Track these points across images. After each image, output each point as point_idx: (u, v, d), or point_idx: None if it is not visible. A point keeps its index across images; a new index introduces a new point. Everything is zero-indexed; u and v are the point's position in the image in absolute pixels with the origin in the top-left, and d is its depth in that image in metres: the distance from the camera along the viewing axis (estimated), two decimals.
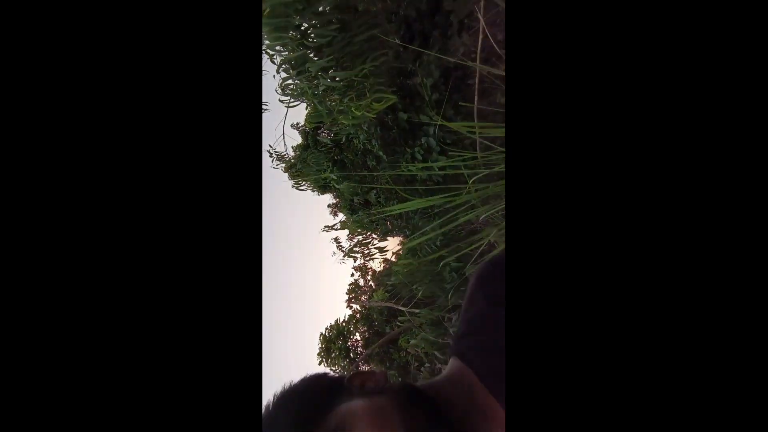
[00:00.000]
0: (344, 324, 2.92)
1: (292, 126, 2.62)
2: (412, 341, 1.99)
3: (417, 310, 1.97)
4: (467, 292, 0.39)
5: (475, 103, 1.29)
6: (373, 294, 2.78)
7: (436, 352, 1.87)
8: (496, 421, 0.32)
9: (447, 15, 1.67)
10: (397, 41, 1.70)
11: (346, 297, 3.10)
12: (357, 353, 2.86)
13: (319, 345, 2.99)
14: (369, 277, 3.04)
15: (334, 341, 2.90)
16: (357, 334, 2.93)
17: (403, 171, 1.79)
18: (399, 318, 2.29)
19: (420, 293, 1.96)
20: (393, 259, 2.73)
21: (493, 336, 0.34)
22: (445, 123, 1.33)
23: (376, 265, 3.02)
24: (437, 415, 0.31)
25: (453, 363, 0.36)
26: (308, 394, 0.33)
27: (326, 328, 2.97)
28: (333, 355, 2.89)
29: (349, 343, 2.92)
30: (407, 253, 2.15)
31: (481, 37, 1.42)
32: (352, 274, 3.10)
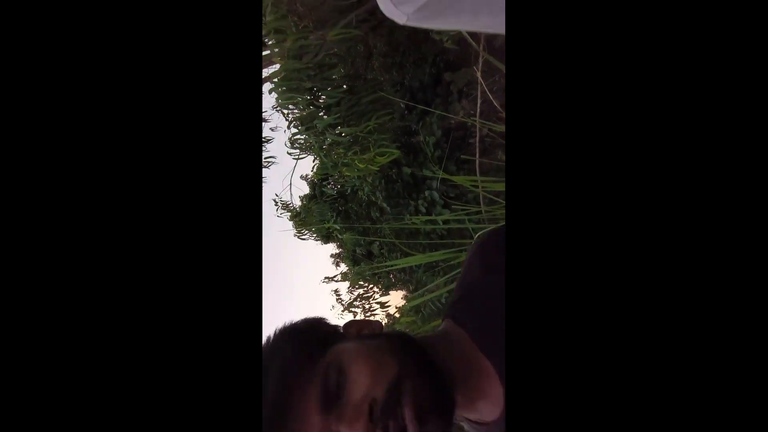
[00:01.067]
0: None
1: (301, 177, 2.74)
2: None
3: None
4: (467, 259, 0.41)
5: (477, 157, 1.32)
6: None
7: None
8: (485, 373, 0.33)
9: (447, 85, 1.84)
10: (402, 104, 1.85)
11: None
12: None
13: None
14: None
15: None
16: None
17: (406, 225, 1.78)
18: None
19: None
20: (396, 315, 2.57)
21: (486, 301, 0.36)
22: (448, 177, 1.35)
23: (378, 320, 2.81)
24: (428, 361, 0.32)
25: (446, 324, 0.38)
26: (309, 332, 0.34)
27: None
28: None
29: None
30: (410, 310, 2.03)
31: (479, 101, 1.55)
32: None
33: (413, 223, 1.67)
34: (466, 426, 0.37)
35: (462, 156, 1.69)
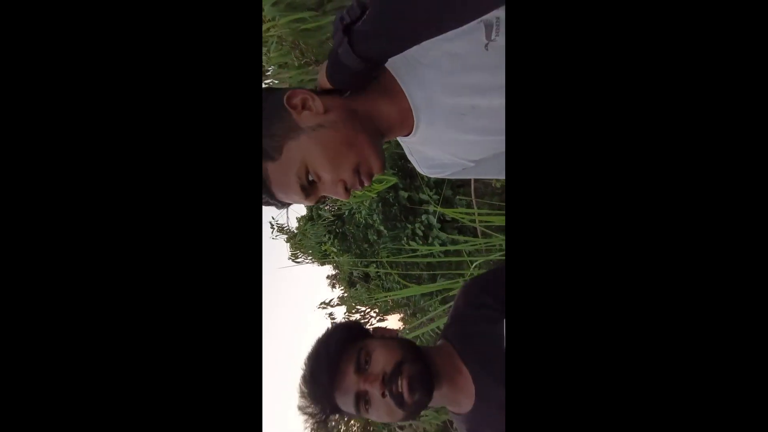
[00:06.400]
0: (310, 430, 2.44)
1: None
2: None
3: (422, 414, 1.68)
4: (456, 298, 0.64)
5: (472, 182, 1.35)
6: None
7: None
8: (464, 374, 0.55)
9: None
10: None
11: None
12: None
13: None
14: None
15: None
16: None
17: (405, 257, 1.78)
18: (399, 424, 1.96)
19: None
20: None
21: (468, 327, 0.58)
22: (443, 210, 1.37)
23: None
24: (422, 358, 0.54)
25: (441, 342, 0.60)
26: (353, 328, 0.59)
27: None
28: None
29: None
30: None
31: None
32: None
33: (412, 251, 1.67)
34: (452, 417, 0.60)
35: (458, 187, 1.73)
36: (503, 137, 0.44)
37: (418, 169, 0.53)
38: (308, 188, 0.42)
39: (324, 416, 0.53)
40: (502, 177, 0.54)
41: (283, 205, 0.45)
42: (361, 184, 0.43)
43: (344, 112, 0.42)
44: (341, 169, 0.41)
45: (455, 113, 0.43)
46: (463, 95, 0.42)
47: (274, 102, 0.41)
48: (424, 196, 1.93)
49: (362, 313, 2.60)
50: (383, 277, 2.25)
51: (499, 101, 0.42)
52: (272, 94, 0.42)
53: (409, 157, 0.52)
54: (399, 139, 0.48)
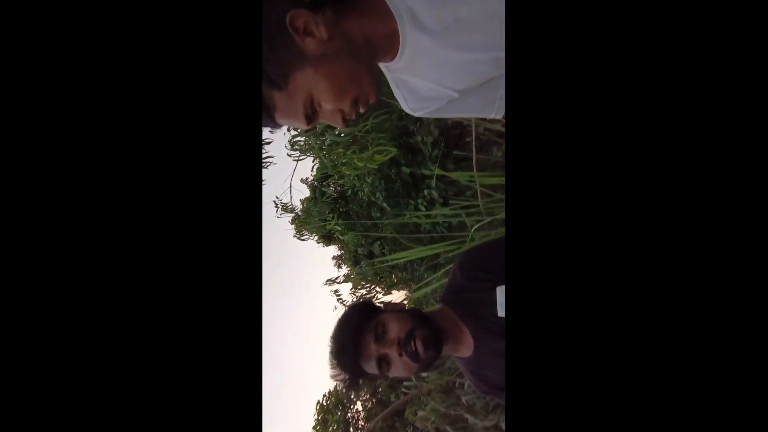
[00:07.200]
0: (344, 391, 2.58)
1: (302, 181, 2.76)
2: (420, 413, 1.74)
3: (424, 374, 1.77)
4: (452, 268, 0.76)
5: (474, 154, 1.35)
6: None
7: (448, 427, 1.61)
8: (463, 330, 0.68)
9: None
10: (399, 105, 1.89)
11: None
12: (357, 427, 2.49)
13: (316, 416, 2.65)
14: None
15: (332, 412, 2.57)
16: (358, 403, 2.60)
17: (407, 220, 1.80)
18: (404, 384, 2.05)
19: None
20: None
21: (464, 295, 0.70)
22: (443, 173, 1.38)
23: None
24: (429, 321, 0.66)
25: (441, 306, 0.72)
26: (368, 305, 0.71)
27: (324, 396, 2.65)
28: (330, 429, 2.53)
29: (348, 414, 2.58)
30: (414, 304, 2.04)
31: None
32: None
33: (415, 220, 1.68)
34: (456, 362, 0.73)
35: (459, 153, 1.73)
36: (486, 55, 0.44)
37: (404, 108, 0.53)
38: (311, 116, 0.45)
39: (354, 379, 0.67)
40: (484, 115, 0.54)
41: (278, 126, 0.47)
42: (357, 114, 0.46)
43: (344, 40, 0.42)
44: (342, 100, 0.44)
45: (439, 26, 0.43)
46: (445, 7, 0.42)
47: (276, 21, 0.40)
48: (426, 171, 1.93)
49: (368, 289, 2.66)
50: (388, 254, 2.28)
51: (479, 8, 0.42)
52: (273, 9, 0.41)
53: (396, 93, 0.52)
54: (384, 69, 0.48)
